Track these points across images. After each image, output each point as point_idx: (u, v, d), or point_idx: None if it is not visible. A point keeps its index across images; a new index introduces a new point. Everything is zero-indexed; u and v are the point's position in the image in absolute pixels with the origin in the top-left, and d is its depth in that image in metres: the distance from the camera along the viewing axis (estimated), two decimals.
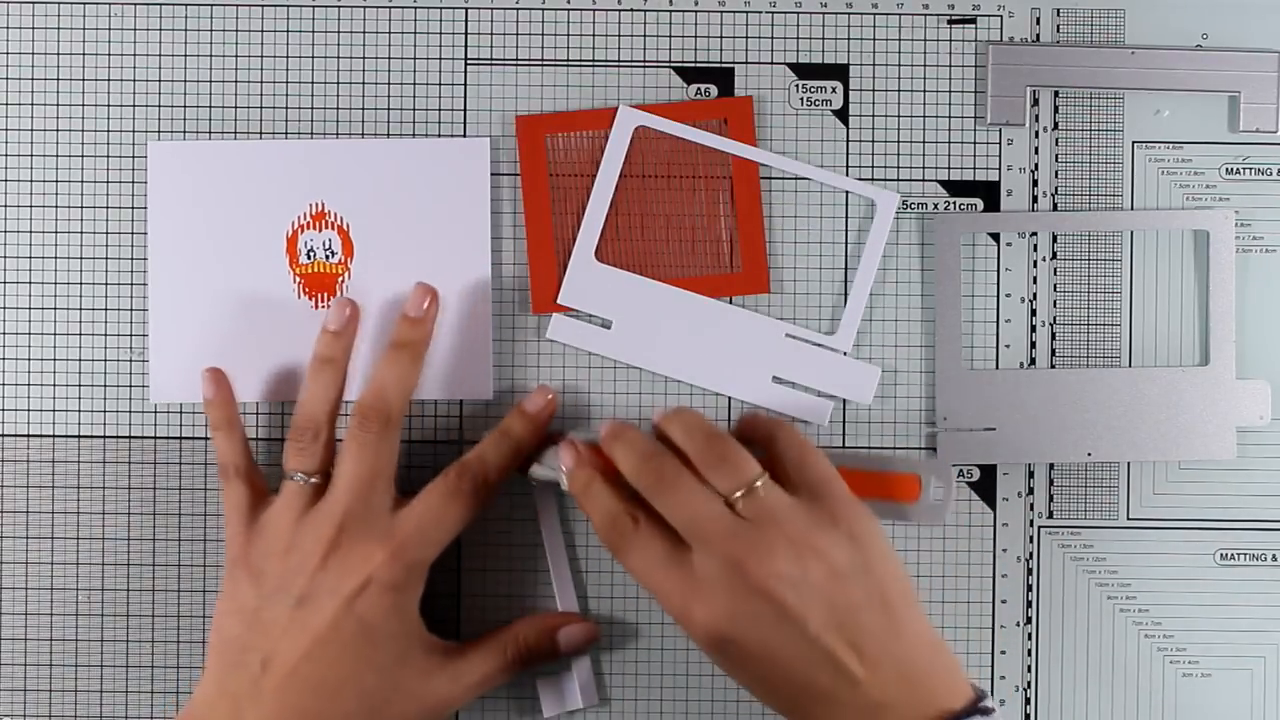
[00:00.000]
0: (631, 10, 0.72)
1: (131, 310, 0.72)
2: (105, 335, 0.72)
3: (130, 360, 0.72)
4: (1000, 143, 0.72)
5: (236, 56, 0.72)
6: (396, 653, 0.63)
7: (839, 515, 0.61)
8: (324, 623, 0.61)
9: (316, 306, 0.71)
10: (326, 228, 0.71)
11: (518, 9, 0.72)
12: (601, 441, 0.64)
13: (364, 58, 0.72)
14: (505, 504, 0.71)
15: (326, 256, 0.71)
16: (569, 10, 0.72)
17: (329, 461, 0.66)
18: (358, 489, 0.64)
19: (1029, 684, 0.72)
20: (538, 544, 0.71)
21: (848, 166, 0.72)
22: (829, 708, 0.58)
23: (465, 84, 0.72)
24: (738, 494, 0.60)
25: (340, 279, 0.71)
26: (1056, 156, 0.72)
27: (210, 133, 0.72)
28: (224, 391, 0.69)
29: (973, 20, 0.72)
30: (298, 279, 0.71)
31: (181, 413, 0.72)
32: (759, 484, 0.61)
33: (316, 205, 0.71)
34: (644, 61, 0.72)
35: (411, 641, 0.64)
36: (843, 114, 0.72)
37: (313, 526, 0.63)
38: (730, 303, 0.72)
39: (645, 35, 0.72)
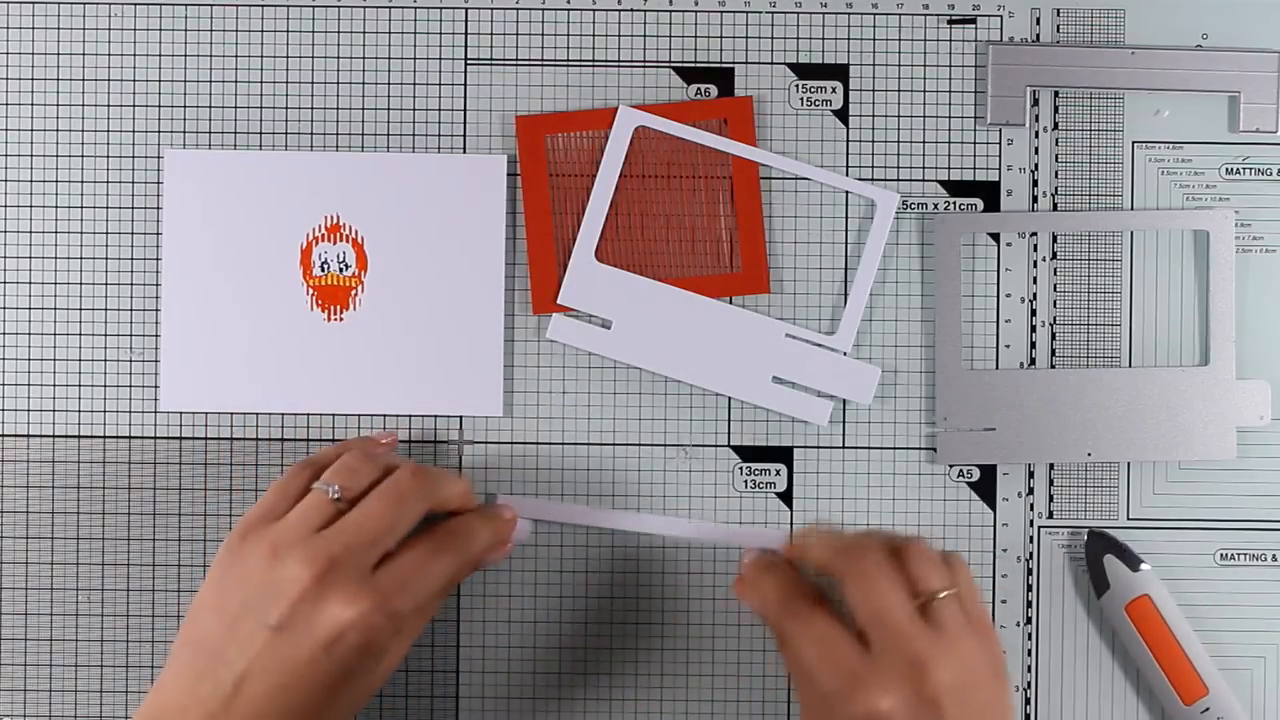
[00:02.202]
0: (631, 10, 0.72)
1: (133, 310, 0.72)
2: (105, 335, 0.72)
3: (130, 360, 0.72)
4: (1000, 143, 0.72)
5: (236, 57, 0.72)
6: (370, 686, 0.62)
7: (995, 649, 0.62)
8: (300, 660, 0.60)
9: (329, 319, 0.71)
10: (341, 240, 0.71)
11: (518, 9, 0.72)
12: (794, 540, 0.65)
13: (364, 58, 0.72)
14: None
15: (340, 269, 0.71)
16: (569, 10, 0.72)
17: (362, 493, 0.64)
18: (371, 535, 0.62)
19: (1029, 684, 0.72)
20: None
21: (848, 166, 0.72)
22: None
23: (465, 84, 0.72)
24: (928, 597, 0.61)
25: (353, 292, 0.71)
26: (1056, 156, 0.72)
27: (210, 132, 0.72)
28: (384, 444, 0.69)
29: (973, 20, 0.72)
30: (311, 291, 0.71)
31: (181, 413, 0.72)
32: (945, 594, 0.61)
33: (332, 218, 0.71)
34: (644, 61, 0.72)
35: (385, 673, 0.63)
36: (843, 114, 0.72)
37: (311, 550, 0.61)
38: (730, 303, 0.72)
39: (645, 35, 0.72)
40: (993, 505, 0.72)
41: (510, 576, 0.72)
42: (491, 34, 0.72)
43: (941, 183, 0.72)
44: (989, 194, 0.72)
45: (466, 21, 0.72)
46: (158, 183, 0.72)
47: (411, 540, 0.63)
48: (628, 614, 0.72)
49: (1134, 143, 0.72)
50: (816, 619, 0.62)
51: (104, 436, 0.72)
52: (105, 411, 0.72)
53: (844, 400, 0.72)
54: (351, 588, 0.60)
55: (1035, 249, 0.72)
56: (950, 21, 0.72)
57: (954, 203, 0.72)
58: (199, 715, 0.60)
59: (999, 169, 0.72)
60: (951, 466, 0.72)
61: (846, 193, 0.72)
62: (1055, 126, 0.72)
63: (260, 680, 0.60)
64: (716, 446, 0.72)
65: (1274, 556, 0.72)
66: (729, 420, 0.72)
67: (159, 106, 0.72)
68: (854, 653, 0.60)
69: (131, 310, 0.72)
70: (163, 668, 0.62)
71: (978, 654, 0.61)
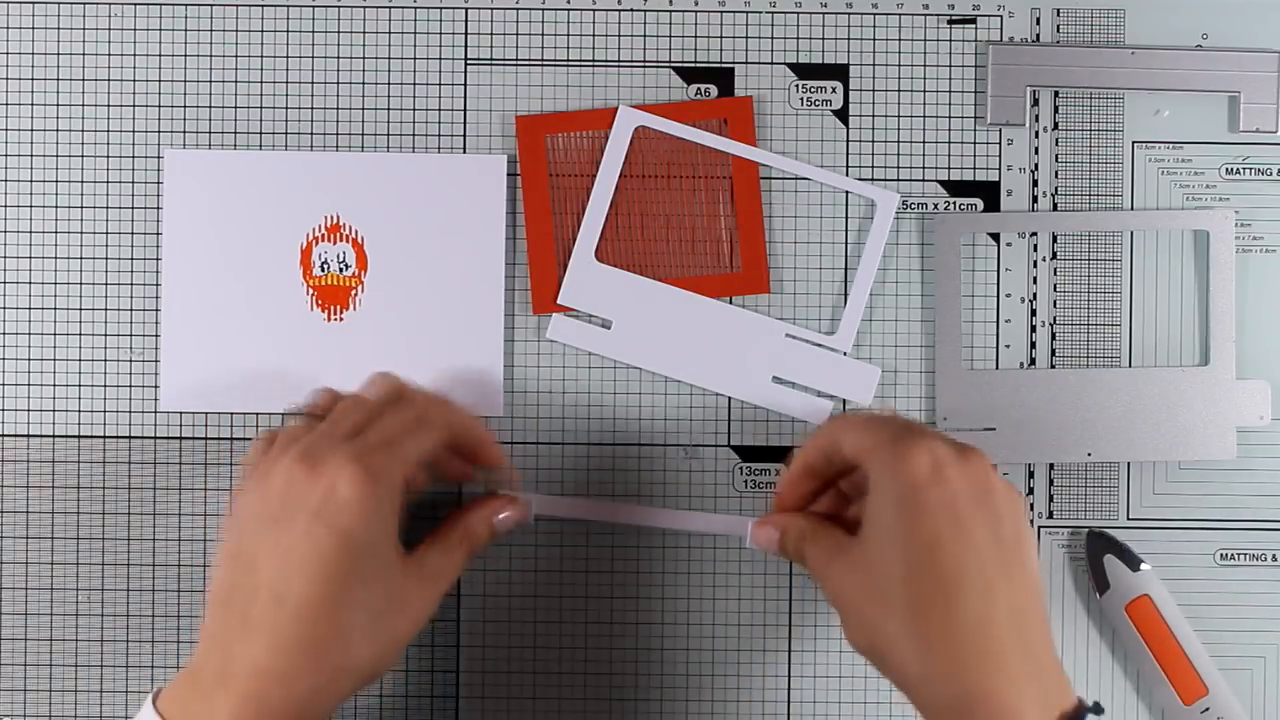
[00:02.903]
0: (631, 10, 0.72)
1: (133, 310, 0.72)
2: (105, 335, 0.72)
3: (130, 360, 0.72)
4: (1000, 143, 0.72)
5: (236, 57, 0.72)
6: (377, 565, 0.60)
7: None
8: (296, 540, 0.58)
9: (329, 319, 0.71)
10: (341, 240, 0.71)
11: (518, 9, 0.72)
12: (821, 428, 0.65)
13: (363, 58, 0.72)
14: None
15: (340, 269, 0.71)
16: (569, 10, 0.72)
17: (329, 408, 0.64)
18: (340, 422, 0.61)
19: None
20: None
21: (848, 166, 0.72)
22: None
23: (465, 84, 0.72)
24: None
25: (353, 292, 0.71)
26: (1056, 156, 0.72)
27: (210, 132, 0.72)
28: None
29: (973, 20, 0.72)
30: (311, 291, 0.71)
31: (181, 413, 0.72)
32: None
33: (332, 218, 0.71)
34: (644, 61, 0.72)
35: (390, 554, 0.61)
36: (843, 114, 0.72)
37: (291, 448, 0.60)
38: (730, 303, 0.72)
39: (645, 35, 0.72)
40: None
41: (510, 576, 0.72)
42: (491, 34, 0.72)
43: (941, 183, 0.72)
44: (989, 194, 0.72)
45: (466, 21, 0.72)
46: (158, 183, 0.72)
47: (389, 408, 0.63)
48: (628, 614, 0.72)
49: (1134, 143, 0.72)
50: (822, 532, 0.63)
51: (104, 436, 0.72)
52: (105, 411, 0.72)
53: (844, 400, 0.72)
54: (327, 454, 0.59)
55: (1035, 249, 0.72)
56: (950, 21, 0.72)
57: (954, 203, 0.72)
58: (219, 648, 0.58)
59: (999, 169, 0.72)
60: None
61: (846, 193, 0.72)
62: (1055, 126, 0.72)
63: (267, 583, 0.58)
64: (716, 446, 0.72)
65: (1274, 556, 0.72)
66: (729, 420, 0.72)
67: (159, 106, 0.72)
68: (892, 428, 0.61)
69: (131, 310, 0.72)
70: (169, 670, 0.62)
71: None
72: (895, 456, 0.59)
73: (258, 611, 0.58)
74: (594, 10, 0.72)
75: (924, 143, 0.72)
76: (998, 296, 0.72)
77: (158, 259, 0.72)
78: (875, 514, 0.59)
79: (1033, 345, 0.72)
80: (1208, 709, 0.70)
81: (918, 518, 0.58)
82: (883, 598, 0.59)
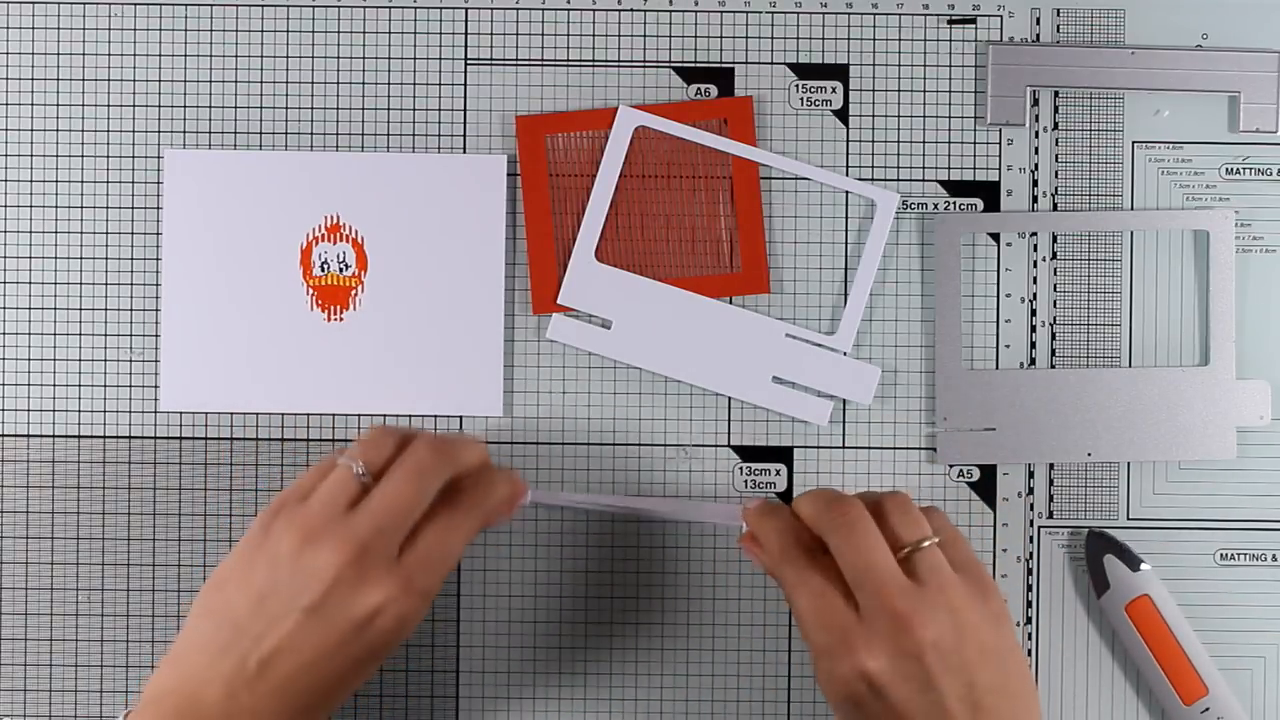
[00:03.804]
0: (631, 10, 0.72)
1: (133, 310, 0.72)
2: (105, 335, 0.72)
3: (130, 360, 0.72)
4: (1000, 143, 0.72)
5: (236, 57, 0.72)
6: (388, 655, 0.62)
7: (989, 594, 0.62)
8: (330, 642, 0.60)
9: (329, 319, 0.71)
10: (341, 240, 0.71)
11: (518, 9, 0.72)
12: (795, 502, 0.64)
13: (363, 58, 0.72)
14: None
15: (340, 269, 0.71)
16: (569, 10, 0.72)
17: (386, 464, 0.63)
18: (398, 515, 0.61)
19: None
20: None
21: (848, 166, 0.72)
22: None
23: (465, 84, 0.72)
24: (909, 548, 0.61)
25: (353, 292, 0.71)
26: (1056, 156, 0.72)
27: (210, 132, 0.72)
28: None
29: (973, 20, 0.72)
30: (311, 291, 0.71)
31: (181, 413, 0.72)
32: (927, 544, 0.61)
33: (332, 218, 0.71)
34: (644, 61, 0.72)
35: (408, 634, 0.63)
36: (843, 114, 0.72)
37: (341, 536, 0.61)
38: (730, 303, 0.72)
39: (645, 35, 0.72)
40: (993, 505, 0.72)
41: (510, 576, 0.72)
42: (491, 34, 0.72)
43: (941, 183, 0.72)
44: (989, 194, 0.72)
45: (466, 21, 0.72)
46: (158, 183, 0.72)
47: (431, 511, 0.62)
48: (628, 614, 0.72)
49: (1134, 143, 0.72)
50: (813, 572, 0.61)
51: (104, 436, 0.72)
52: (105, 411, 0.72)
53: (844, 400, 0.72)
54: (381, 572, 0.60)
55: (1035, 249, 0.72)
56: (950, 21, 0.72)
57: (954, 203, 0.72)
58: (221, 689, 0.60)
59: (999, 169, 0.72)
60: (951, 466, 0.72)
61: (846, 193, 0.72)
62: (1055, 126, 0.72)
63: (288, 659, 0.60)
64: (716, 446, 0.72)
65: (1274, 556, 0.72)
66: (729, 420, 0.72)
67: (159, 106, 0.72)
68: (844, 611, 0.60)
69: (131, 310, 0.72)
70: (178, 635, 0.62)
71: (967, 601, 0.60)
72: (899, 629, 0.60)
73: (266, 684, 0.60)
74: (594, 10, 0.72)
75: (924, 143, 0.72)
76: (998, 296, 0.72)
77: (158, 259, 0.72)
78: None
79: (1033, 345, 0.72)
80: (1208, 709, 0.70)
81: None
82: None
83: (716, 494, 0.72)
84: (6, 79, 0.72)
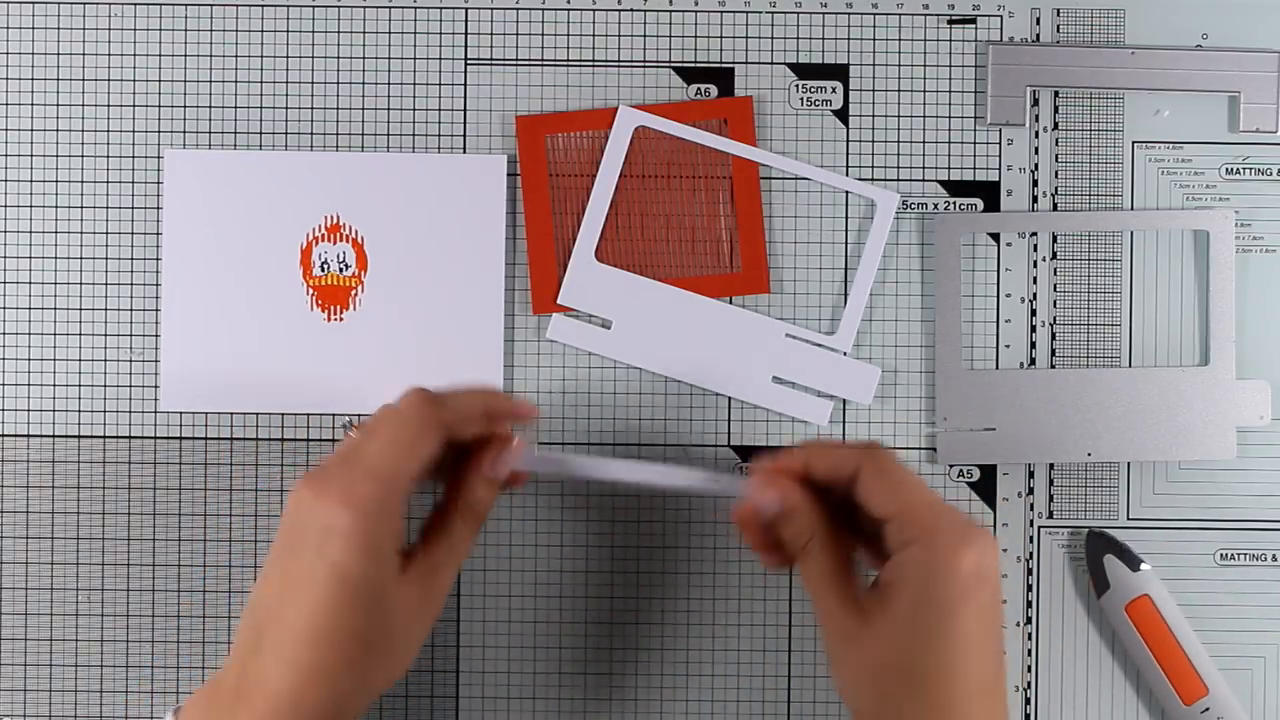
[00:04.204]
0: (631, 10, 0.72)
1: (133, 310, 0.72)
2: (105, 335, 0.72)
3: (130, 360, 0.72)
4: (1000, 143, 0.72)
5: (236, 57, 0.72)
6: (376, 593, 0.60)
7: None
8: (301, 571, 0.59)
9: (329, 319, 0.71)
10: (341, 240, 0.71)
11: (518, 9, 0.72)
12: (797, 451, 0.63)
13: (364, 58, 0.72)
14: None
15: (340, 269, 0.71)
16: (569, 10, 0.72)
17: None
18: (353, 443, 0.61)
19: (1029, 684, 0.72)
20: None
21: (848, 166, 0.72)
22: None
23: (465, 84, 0.72)
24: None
25: (353, 292, 0.71)
26: (1056, 156, 0.72)
27: (210, 132, 0.72)
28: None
29: (973, 20, 0.72)
30: (311, 291, 0.71)
31: (181, 413, 0.72)
32: None
33: (332, 218, 0.71)
34: (644, 61, 0.72)
35: (389, 577, 0.60)
36: (843, 114, 0.72)
37: (310, 471, 0.61)
38: (730, 303, 0.72)
39: (645, 35, 0.72)
40: (993, 505, 0.72)
41: (510, 576, 0.72)
42: (491, 34, 0.72)
43: (941, 183, 0.72)
44: (989, 194, 0.72)
45: (466, 21, 0.72)
46: (158, 183, 0.72)
47: (382, 417, 0.62)
48: (628, 613, 0.72)
49: (1134, 143, 0.72)
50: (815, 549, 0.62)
51: (104, 436, 0.72)
52: (105, 411, 0.72)
53: (844, 400, 0.72)
54: (331, 488, 0.59)
55: (1035, 249, 0.72)
56: (950, 21, 0.72)
57: (954, 203, 0.72)
58: (235, 664, 0.59)
59: (999, 169, 0.72)
60: (951, 466, 0.72)
61: (846, 193, 0.72)
62: (1055, 126, 0.72)
63: (274, 610, 0.59)
64: (716, 446, 0.72)
65: (1274, 556, 0.72)
66: (729, 420, 0.72)
67: (159, 106, 0.72)
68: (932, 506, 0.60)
69: (131, 310, 0.72)
70: (169, 670, 0.62)
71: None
72: (950, 550, 0.58)
73: (269, 634, 0.59)
74: (594, 10, 0.72)
75: (924, 143, 0.72)
76: (998, 296, 0.72)
77: (158, 259, 0.72)
78: (907, 597, 0.59)
79: (1033, 345, 0.72)
80: (1208, 709, 0.70)
81: (957, 618, 0.58)
82: (896, 678, 0.59)
83: (716, 500, 0.72)
84: (6, 79, 0.72)
